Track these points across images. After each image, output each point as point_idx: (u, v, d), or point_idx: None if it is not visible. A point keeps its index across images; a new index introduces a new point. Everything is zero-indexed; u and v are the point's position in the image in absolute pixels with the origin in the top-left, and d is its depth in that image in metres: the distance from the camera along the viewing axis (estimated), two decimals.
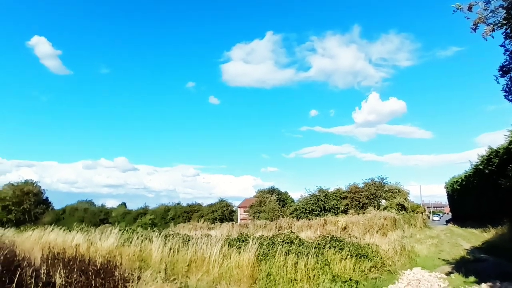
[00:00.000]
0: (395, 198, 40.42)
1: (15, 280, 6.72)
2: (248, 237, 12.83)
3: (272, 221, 36.93)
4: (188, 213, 50.77)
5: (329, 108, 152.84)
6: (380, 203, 41.55)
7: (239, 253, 10.51)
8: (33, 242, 13.91)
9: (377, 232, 21.35)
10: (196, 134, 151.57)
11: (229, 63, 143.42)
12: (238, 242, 11.74)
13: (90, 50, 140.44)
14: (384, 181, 44.01)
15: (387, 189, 42.74)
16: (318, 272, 9.90)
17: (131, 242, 12.30)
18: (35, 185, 36.84)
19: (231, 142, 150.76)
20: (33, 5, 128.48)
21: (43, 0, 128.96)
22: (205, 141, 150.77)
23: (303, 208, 43.47)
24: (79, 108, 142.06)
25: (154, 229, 20.38)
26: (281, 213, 43.23)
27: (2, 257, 7.64)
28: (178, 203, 54.16)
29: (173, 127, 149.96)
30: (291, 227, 29.34)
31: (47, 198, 38.59)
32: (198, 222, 42.12)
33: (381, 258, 11.91)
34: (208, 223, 41.71)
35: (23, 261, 8.42)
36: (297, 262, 9.96)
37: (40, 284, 7.22)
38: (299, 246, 11.20)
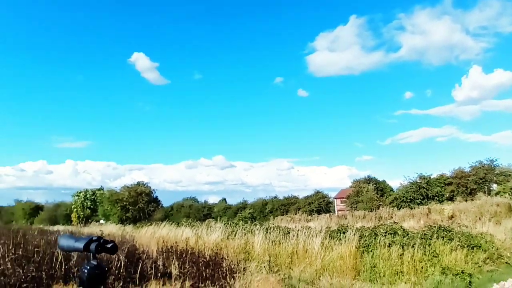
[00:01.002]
0: (508, 182, 36.31)
1: (138, 270, 7.52)
2: (349, 228, 12.63)
3: (371, 211, 35.68)
4: (285, 206, 51.05)
5: (425, 89, 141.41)
6: (491, 188, 37.72)
7: (341, 244, 10.43)
8: (149, 237, 15.08)
9: (489, 220, 19.55)
10: (288, 128, 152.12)
11: (314, 54, 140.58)
12: (338, 234, 11.62)
13: (183, 58, 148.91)
14: (494, 163, 39.60)
15: (498, 172, 38.47)
16: (425, 264, 9.43)
17: (235, 235, 12.79)
18: (146, 186, 40.17)
19: (323, 133, 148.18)
20: (130, 26, 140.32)
21: (138, 19, 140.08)
22: (296, 135, 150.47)
23: (403, 196, 41.17)
24: (178, 114, 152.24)
25: (255, 222, 20.99)
26: (380, 203, 41.40)
27: (126, 250, 8.54)
28: (275, 197, 54.76)
29: (265, 123, 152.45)
30: (392, 217, 28.19)
31: (156, 197, 41.77)
32: (295, 214, 42.21)
33: (497, 249, 10.96)
34: (306, 215, 41.55)
35: (143, 254, 9.23)
36: (403, 254, 9.60)
37: (159, 274, 7.95)
38: (404, 237, 10.75)
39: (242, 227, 14.17)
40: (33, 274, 6.74)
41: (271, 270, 9.86)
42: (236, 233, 13.10)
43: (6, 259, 7.01)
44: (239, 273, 8.72)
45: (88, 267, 1.59)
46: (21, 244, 8.65)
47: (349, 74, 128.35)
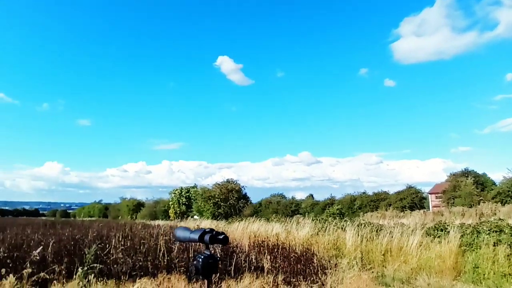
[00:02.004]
0: None
1: (233, 263, 7.85)
2: (447, 225, 11.86)
3: (470, 207, 33.15)
4: (375, 201, 49.52)
5: None
6: None
7: (439, 242, 9.88)
8: (241, 232, 15.57)
9: None
10: (375, 121, 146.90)
11: (399, 40, 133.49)
12: (436, 231, 11.01)
13: (265, 58, 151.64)
14: None
15: None
16: None
17: (324, 231, 12.74)
18: (235, 183, 41.69)
19: (413, 125, 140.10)
20: (213, 31, 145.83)
21: (220, 24, 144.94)
22: (385, 127, 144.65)
23: (508, 191, 37.57)
24: (263, 112, 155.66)
25: (345, 218, 20.64)
26: (481, 198, 38.19)
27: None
28: (364, 192, 53.29)
29: (351, 117, 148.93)
30: (495, 214, 25.89)
31: (246, 193, 43.16)
32: (386, 210, 40.78)
33: None
34: (397, 211, 39.89)
35: (236, 248, 9.62)
36: (511, 254, 8.81)
37: (252, 268, 8.23)
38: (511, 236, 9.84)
39: (332, 223, 14.03)
40: (140, 263, 7.40)
41: (363, 267, 9.67)
42: (326, 229, 13.03)
43: (118, 250, 7.79)
44: (330, 269, 8.68)
45: (203, 257, 1.76)
46: (128, 236, 9.54)
47: (440, 59, 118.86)
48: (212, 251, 1.84)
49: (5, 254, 6.74)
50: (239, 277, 7.58)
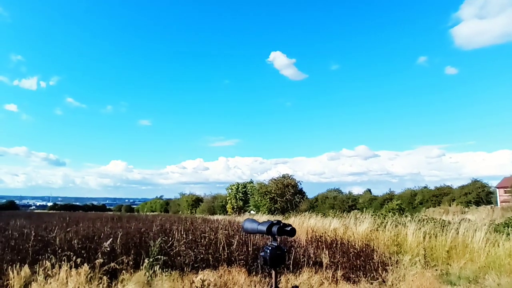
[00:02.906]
0: None
1: (292, 257, 7.89)
2: None
3: None
4: (437, 196, 47.22)
5: None
6: None
7: (510, 239, 9.30)
8: (297, 226, 15.60)
9: None
10: (436, 111, 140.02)
11: (459, 25, 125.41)
12: (506, 228, 10.38)
13: (318, 51, 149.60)
14: None
15: None
16: None
17: (384, 227, 12.44)
18: (291, 178, 41.67)
19: (478, 114, 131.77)
20: (265, 27, 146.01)
21: (271, 20, 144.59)
22: (447, 118, 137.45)
23: None
24: (317, 106, 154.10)
25: (406, 213, 20.02)
26: None
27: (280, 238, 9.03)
28: (425, 187, 50.95)
29: (410, 108, 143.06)
30: None
31: (302, 188, 43.01)
32: (449, 206, 38.86)
33: None
34: (462, 206, 37.86)
35: (294, 243, 9.66)
36: None
37: (310, 263, 8.22)
38: None
39: (392, 219, 13.66)
40: (201, 256, 7.65)
41: (426, 264, 9.32)
42: (385, 224, 12.71)
43: (180, 242, 8.11)
44: (391, 266, 8.46)
45: (270, 248, 1.81)
46: (190, 230, 9.89)
47: (507, 42, 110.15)
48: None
49: (79, 245, 7.25)
50: (298, 271, 7.61)
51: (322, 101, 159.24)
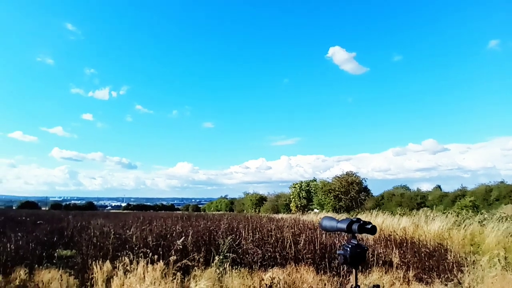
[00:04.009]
0: None
1: None
2: None
3: None
4: None
5: None
6: None
7: None
8: None
9: None
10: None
11: None
12: None
13: (379, 42, 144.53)
14: None
15: None
16: None
17: (458, 226, 11.82)
18: (355, 175, 40.76)
19: None
20: (323, 22, 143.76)
21: (330, 14, 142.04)
22: None
23: None
24: (380, 100, 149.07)
25: (481, 211, 18.82)
26: None
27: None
28: (502, 182, 47.35)
29: (481, 97, 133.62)
30: None
31: (366, 186, 41.86)
32: None
33: None
34: None
35: (361, 241, 9.46)
36: None
37: (380, 262, 8.02)
38: None
39: (467, 217, 12.93)
40: (269, 254, 7.74)
41: (508, 266, 8.70)
42: (460, 223, 12.05)
43: (248, 241, 8.27)
44: (467, 266, 8.00)
45: (350, 246, 1.82)
46: (257, 228, 10.05)
47: None
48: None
49: (154, 243, 7.65)
50: (367, 271, 7.45)
51: (385, 94, 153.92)
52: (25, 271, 6.46)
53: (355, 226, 1.82)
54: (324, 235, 9.08)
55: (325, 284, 6.42)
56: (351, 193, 38.79)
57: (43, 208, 63.91)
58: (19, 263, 6.91)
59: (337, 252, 1.90)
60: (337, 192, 38.98)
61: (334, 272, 7.12)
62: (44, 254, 8.24)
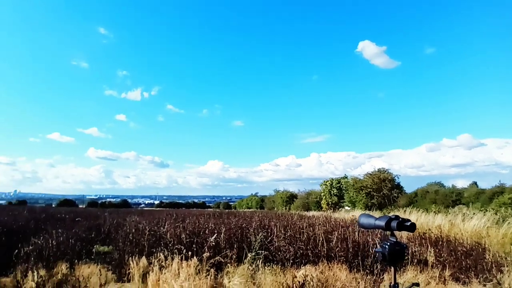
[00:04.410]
0: None
1: None
2: None
3: None
4: None
5: None
6: None
7: None
8: None
9: None
10: None
11: None
12: None
13: (411, 35, 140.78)
14: None
15: None
16: None
17: (497, 224, 11.43)
18: (387, 172, 39.97)
19: None
20: (351, 17, 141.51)
21: (359, 7, 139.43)
22: None
23: None
24: (412, 94, 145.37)
25: None
26: None
27: (378, 234, 8.80)
28: None
29: None
30: None
31: (399, 183, 40.97)
32: None
33: None
34: None
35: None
36: None
37: (415, 261, 7.87)
38: None
39: (506, 215, 12.48)
40: (301, 251, 7.74)
41: None
42: (499, 221, 11.65)
43: (280, 238, 8.29)
44: (507, 266, 7.74)
45: (389, 244, 1.80)
46: (288, 226, 10.05)
47: None
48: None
49: (187, 240, 7.79)
50: (401, 269, 7.34)
51: (417, 88, 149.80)
52: (66, 265, 6.74)
53: (394, 224, 1.80)
54: (356, 233, 8.99)
55: (358, 282, 6.36)
56: (383, 190, 38.08)
57: (80, 206, 66.02)
58: (61, 258, 7.22)
59: (375, 249, 1.89)
60: (369, 190, 38.37)
61: (367, 271, 7.05)
62: (83, 250, 8.56)
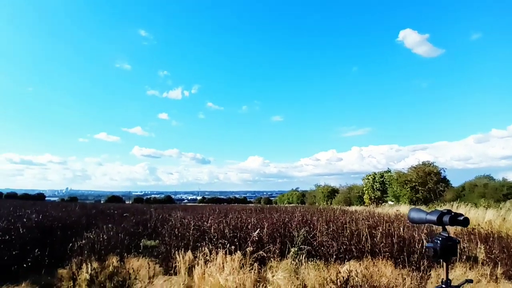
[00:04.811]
0: None
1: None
2: None
3: None
4: None
5: None
6: None
7: None
8: None
9: None
10: None
11: None
12: None
13: (455, 20, 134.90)
14: None
15: None
16: None
17: None
18: (432, 165, 38.61)
19: None
20: (392, 5, 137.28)
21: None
22: None
23: None
24: (457, 83, 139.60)
25: None
26: None
27: (424, 230, 8.57)
28: None
29: None
30: None
31: (445, 176, 39.44)
32: None
33: None
34: None
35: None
36: None
37: (463, 258, 7.60)
38: None
39: None
40: (344, 247, 7.66)
41: None
42: None
43: (323, 233, 8.26)
44: None
45: (441, 239, 1.77)
46: (331, 221, 9.98)
47: None
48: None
49: (231, 234, 7.92)
50: (449, 266, 7.10)
51: (463, 76, 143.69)
52: (116, 258, 7.05)
53: (446, 218, 1.76)
54: (401, 228, 8.80)
55: (404, 279, 6.23)
56: (428, 184, 36.80)
57: (127, 202, 68.38)
58: (111, 252, 7.56)
59: (426, 245, 1.86)
60: (413, 184, 37.20)
61: (413, 267, 6.88)
62: (131, 244, 8.92)
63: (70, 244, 8.08)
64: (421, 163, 39.28)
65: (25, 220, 9.92)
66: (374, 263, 7.01)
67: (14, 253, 6.85)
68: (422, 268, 6.79)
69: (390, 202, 40.76)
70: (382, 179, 46.54)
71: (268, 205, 36.07)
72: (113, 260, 6.95)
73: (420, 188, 36.77)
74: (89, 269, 6.23)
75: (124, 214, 15.90)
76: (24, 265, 6.52)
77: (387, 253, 7.39)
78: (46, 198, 75.73)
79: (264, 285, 5.85)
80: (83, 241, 8.13)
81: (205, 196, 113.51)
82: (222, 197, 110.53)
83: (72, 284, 5.86)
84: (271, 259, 6.98)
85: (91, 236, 8.41)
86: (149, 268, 6.77)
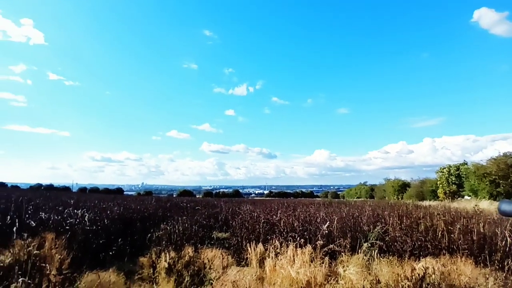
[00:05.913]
0: None
1: None
2: None
3: None
4: None
5: None
6: None
7: None
8: None
9: None
10: None
11: None
12: None
13: None
14: None
15: None
16: None
17: None
18: None
19: None
20: None
21: None
22: None
23: None
24: None
25: None
26: None
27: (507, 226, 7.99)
28: None
29: None
30: None
31: None
32: None
33: None
34: None
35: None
36: None
37: None
38: None
39: None
40: (419, 243, 7.37)
41: None
42: None
43: (396, 228, 8.01)
44: None
45: None
46: (404, 216, 9.66)
47: None
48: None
49: (300, 228, 7.96)
50: None
51: None
52: (192, 249, 7.40)
53: None
54: (481, 224, 8.29)
55: (486, 278, 5.88)
56: (511, 177, 33.99)
57: (198, 196, 71.04)
58: (186, 242, 7.95)
59: None
60: (493, 177, 34.51)
61: (496, 266, 6.45)
62: (204, 235, 9.32)
63: (149, 235, 8.64)
64: (502, 154, 36.35)
65: (108, 212, 10.71)
66: (452, 260, 6.68)
67: (101, 242, 7.50)
68: (506, 268, 6.35)
69: (467, 197, 38.34)
70: (458, 172, 43.78)
71: (336, 200, 35.52)
72: (189, 250, 7.29)
73: (501, 181, 34.06)
74: (167, 258, 6.60)
75: (196, 207, 16.55)
76: (110, 253, 7.11)
77: (466, 251, 7.00)
78: (124, 192, 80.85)
79: (336, 279, 5.81)
80: (161, 232, 8.63)
81: (271, 190, 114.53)
82: (288, 191, 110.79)
83: (152, 271, 6.24)
84: (342, 253, 6.91)
85: (168, 228, 8.88)
86: (222, 258, 7.03)
